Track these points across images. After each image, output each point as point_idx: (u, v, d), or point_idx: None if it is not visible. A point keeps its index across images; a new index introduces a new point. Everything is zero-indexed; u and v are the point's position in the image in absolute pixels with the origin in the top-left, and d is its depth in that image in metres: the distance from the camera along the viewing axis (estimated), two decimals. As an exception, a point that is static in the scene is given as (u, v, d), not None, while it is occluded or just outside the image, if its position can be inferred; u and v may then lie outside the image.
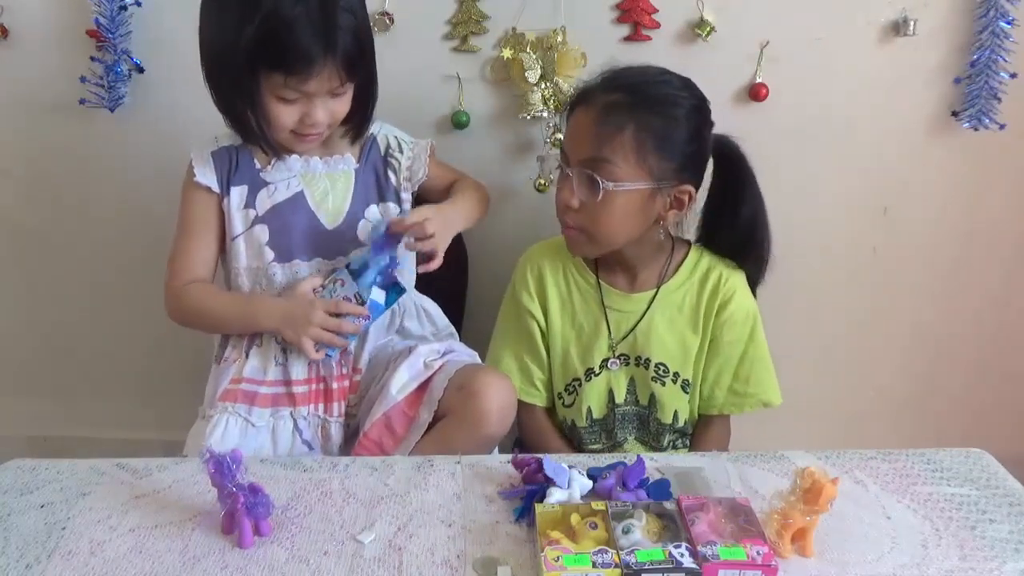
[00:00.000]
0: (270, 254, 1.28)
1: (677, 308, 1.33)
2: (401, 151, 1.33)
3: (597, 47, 1.49)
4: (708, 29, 1.48)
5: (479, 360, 1.34)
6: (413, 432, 1.23)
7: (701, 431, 1.40)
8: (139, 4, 1.51)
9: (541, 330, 1.37)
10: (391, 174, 1.32)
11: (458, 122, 1.54)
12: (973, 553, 0.89)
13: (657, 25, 1.50)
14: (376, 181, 1.32)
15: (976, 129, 1.54)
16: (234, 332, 1.31)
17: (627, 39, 1.51)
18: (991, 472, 1.02)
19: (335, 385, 1.29)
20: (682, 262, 1.34)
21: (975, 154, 1.60)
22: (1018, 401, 1.82)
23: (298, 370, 1.28)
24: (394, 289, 1.25)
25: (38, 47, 1.57)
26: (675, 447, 1.39)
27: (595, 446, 1.38)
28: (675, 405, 1.35)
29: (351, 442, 1.28)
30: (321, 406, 1.29)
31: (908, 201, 1.65)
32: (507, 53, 1.50)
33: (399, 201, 1.33)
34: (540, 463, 0.97)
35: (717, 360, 1.34)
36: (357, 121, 1.28)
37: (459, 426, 1.19)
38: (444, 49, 1.53)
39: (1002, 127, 1.53)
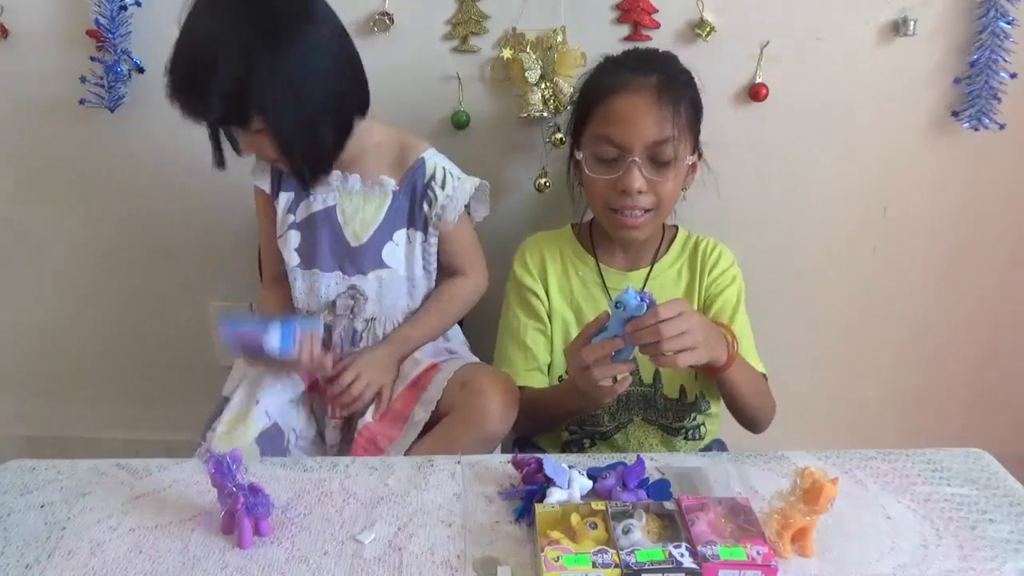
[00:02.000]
0: (296, 259, 1.32)
1: (673, 283, 1.38)
2: (443, 186, 1.31)
3: (597, 47, 1.49)
4: (708, 29, 1.48)
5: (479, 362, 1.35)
6: (408, 431, 1.23)
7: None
8: (139, 4, 1.51)
9: (547, 312, 1.38)
10: (425, 205, 1.32)
11: (458, 122, 1.54)
12: (973, 553, 0.89)
13: (657, 25, 1.50)
14: (410, 207, 1.32)
15: (976, 129, 1.54)
16: None
17: (627, 39, 1.51)
18: (991, 472, 1.02)
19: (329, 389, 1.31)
20: (671, 243, 1.41)
21: (975, 154, 1.60)
22: (1018, 401, 1.82)
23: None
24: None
25: (38, 47, 1.57)
26: (695, 421, 1.38)
27: (600, 428, 1.37)
28: (679, 380, 1.36)
29: (348, 439, 1.30)
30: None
31: (908, 201, 1.65)
32: (507, 53, 1.50)
33: (426, 233, 1.34)
34: (540, 463, 0.97)
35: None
36: (293, 165, 1.25)
37: (461, 424, 1.19)
38: (444, 49, 1.53)
39: (1002, 127, 1.53)
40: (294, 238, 1.32)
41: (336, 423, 1.30)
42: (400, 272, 1.33)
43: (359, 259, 1.31)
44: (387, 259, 1.32)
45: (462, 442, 1.15)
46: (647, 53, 1.40)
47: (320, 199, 1.31)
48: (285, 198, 1.33)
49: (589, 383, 1.08)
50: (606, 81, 1.30)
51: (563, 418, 1.33)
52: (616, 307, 1.04)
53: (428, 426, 1.23)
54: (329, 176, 1.30)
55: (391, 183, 1.30)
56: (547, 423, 1.35)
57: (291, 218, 1.33)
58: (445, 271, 1.39)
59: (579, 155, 1.30)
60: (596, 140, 1.28)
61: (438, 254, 1.37)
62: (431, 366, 1.28)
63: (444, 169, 1.32)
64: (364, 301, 1.32)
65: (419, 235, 1.33)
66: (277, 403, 1.27)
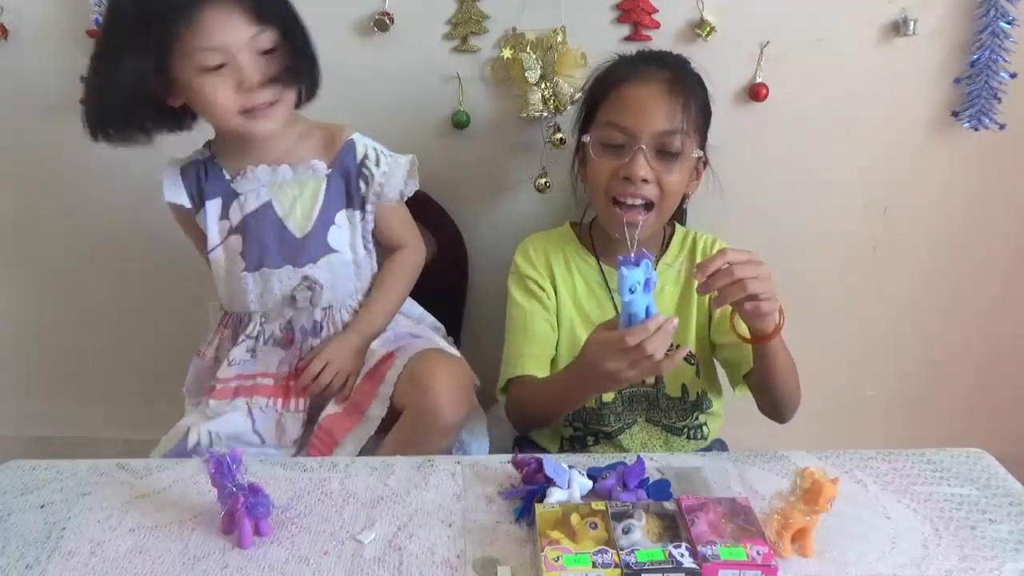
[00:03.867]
0: (241, 263, 1.31)
1: (673, 281, 1.37)
2: (378, 164, 1.31)
3: (597, 47, 1.49)
4: (708, 29, 1.48)
5: (439, 343, 1.36)
6: (365, 425, 1.24)
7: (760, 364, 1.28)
8: (139, 4, 1.51)
9: (555, 308, 1.37)
10: (362, 184, 1.32)
11: (458, 122, 1.54)
12: (973, 553, 0.89)
13: (657, 25, 1.50)
14: (346, 188, 1.32)
15: (976, 129, 1.54)
16: None
17: (627, 39, 1.51)
18: (991, 472, 1.02)
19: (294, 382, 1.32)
20: (670, 241, 1.41)
21: (975, 154, 1.60)
22: (1018, 401, 1.82)
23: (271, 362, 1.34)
24: None
25: (38, 47, 1.56)
26: (698, 420, 1.38)
27: (605, 428, 1.37)
28: (681, 378, 1.36)
29: (310, 432, 1.31)
30: (279, 400, 1.31)
31: (908, 201, 1.65)
32: (507, 53, 1.50)
33: (364, 212, 1.33)
34: (540, 463, 0.97)
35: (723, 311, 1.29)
36: (294, 78, 1.22)
37: (416, 421, 1.20)
38: (444, 49, 1.53)
39: (1002, 127, 1.53)
40: (237, 243, 1.31)
41: (298, 415, 1.31)
42: (347, 255, 1.33)
43: (308, 248, 1.30)
44: (333, 243, 1.31)
45: (420, 439, 1.17)
46: (661, 52, 1.40)
47: (252, 197, 1.29)
48: (214, 206, 1.31)
49: (640, 371, 1.04)
50: (618, 72, 1.31)
51: (565, 407, 1.28)
52: (631, 293, 0.97)
53: (393, 418, 1.24)
54: (257, 170, 1.29)
55: (322, 166, 1.30)
56: (547, 415, 1.31)
57: (227, 224, 1.31)
58: (384, 248, 1.39)
59: (586, 138, 1.30)
60: (604, 126, 1.28)
61: (376, 232, 1.37)
62: (387, 355, 1.28)
63: (376, 149, 1.32)
64: (320, 290, 1.31)
65: (358, 214, 1.33)
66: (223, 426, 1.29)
